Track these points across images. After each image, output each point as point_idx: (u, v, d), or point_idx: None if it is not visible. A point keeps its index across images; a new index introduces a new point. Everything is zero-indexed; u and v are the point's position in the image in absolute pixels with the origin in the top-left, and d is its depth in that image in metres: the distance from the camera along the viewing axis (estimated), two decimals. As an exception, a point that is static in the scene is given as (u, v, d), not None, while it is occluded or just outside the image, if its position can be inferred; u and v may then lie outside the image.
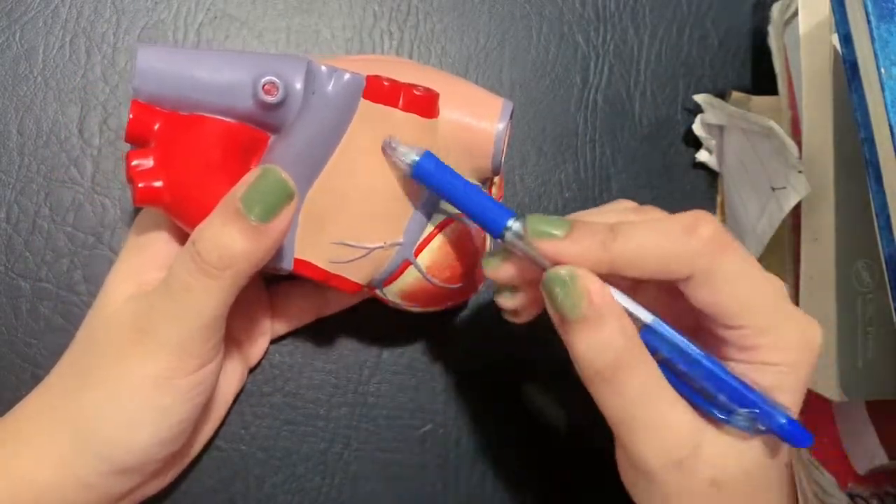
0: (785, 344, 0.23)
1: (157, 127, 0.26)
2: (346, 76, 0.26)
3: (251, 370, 0.33)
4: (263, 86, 0.25)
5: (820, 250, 0.32)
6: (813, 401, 0.34)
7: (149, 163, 0.26)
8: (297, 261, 0.27)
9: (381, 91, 0.26)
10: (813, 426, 0.34)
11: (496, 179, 0.31)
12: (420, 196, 0.28)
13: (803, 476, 0.35)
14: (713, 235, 0.23)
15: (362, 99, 0.26)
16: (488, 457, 0.35)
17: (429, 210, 0.28)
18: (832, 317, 0.31)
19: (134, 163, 0.26)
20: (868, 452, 0.33)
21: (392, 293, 0.29)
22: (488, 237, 0.30)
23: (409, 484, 0.34)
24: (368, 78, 0.26)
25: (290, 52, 0.35)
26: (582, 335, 0.23)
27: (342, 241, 0.27)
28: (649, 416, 0.23)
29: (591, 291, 0.22)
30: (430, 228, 0.28)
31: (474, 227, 0.29)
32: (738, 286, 0.23)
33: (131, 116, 0.25)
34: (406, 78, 0.27)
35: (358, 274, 0.28)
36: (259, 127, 0.26)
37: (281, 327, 0.33)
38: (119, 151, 0.34)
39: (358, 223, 0.27)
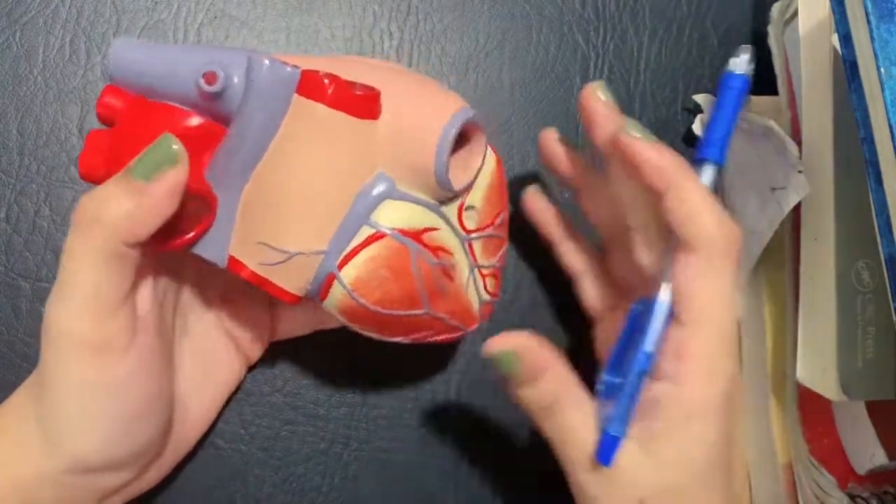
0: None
1: (122, 109, 0.26)
2: (281, 69, 0.24)
3: (251, 369, 0.33)
4: (204, 75, 0.25)
5: (820, 250, 0.32)
6: (813, 401, 0.34)
7: (102, 141, 0.26)
8: (232, 258, 0.26)
9: (312, 86, 0.24)
10: (813, 426, 0.34)
11: (480, 195, 0.29)
12: (352, 204, 0.26)
13: (803, 476, 0.35)
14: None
15: (295, 94, 0.25)
16: (488, 457, 0.35)
17: (359, 221, 0.26)
18: (832, 317, 0.31)
19: (88, 139, 0.26)
20: (868, 452, 0.33)
21: (331, 311, 0.27)
22: (461, 269, 0.28)
23: (410, 484, 0.34)
24: (303, 72, 0.25)
25: (289, 52, 0.35)
26: (521, 391, 0.27)
27: (264, 242, 0.26)
28: (577, 440, 0.27)
29: (529, 361, 0.26)
30: (356, 241, 0.26)
31: (416, 249, 0.26)
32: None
33: (99, 97, 0.26)
34: (372, 79, 0.26)
35: (287, 282, 0.26)
36: (213, 119, 0.26)
37: (281, 333, 0.33)
38: (119, 151, 0.34)
39: (283, 225, 0.25)
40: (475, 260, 0.29)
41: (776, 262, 0.36)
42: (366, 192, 0.26)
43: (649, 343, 0.27)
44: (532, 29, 0.38)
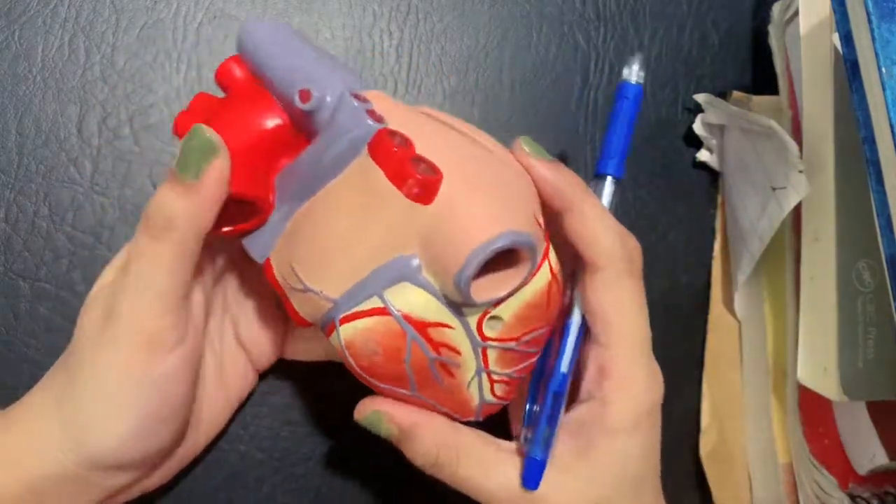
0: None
1: (238, 81, 0.27)
2: (361, 119, 0.24)
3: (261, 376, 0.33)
4: (300, 91, 0.25)
5: (820, 250, 0.32)
6: (813, 401, 0.34)
7: (203, 105, 0.27)
8: (267, 262, 0.27)
9: (380, 150, 0.24)
10: (814, 426, 0.34)
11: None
12: (373, 271, 0.25)
13: (804, 476, 0.34)
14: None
15: (366, 149, 0.24)
16: (488, 457, 0.35)
17: (372, 290, 0.25)
18: (833, 317, 0.31)
19: (194, 100, 0.27)
20: (868, 453, 0.33)
21: (335, 345, 0.27)
22: (466, 369, 0.26)
23: (410, 484, 0.34)
24: (378, 132, 0.24)
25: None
26: (405, 447, 0.28)
27: (293, 267, 0.26)
28: (480, 485, 0.27)
29: (398, 421, 0.28)
30: (362, 307, 0.25)
31: (414, 338, 0.25)
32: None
33: (224, 61, 0.27)
34: (450, 158, 0.24)
35: (301, 308, 0.26)
36: (302, 130, 0.26)
37: (290, 353, 0.33)
38: (118, 151, 0.34)
39: (310, 260, 0.26)
40: (486, 366, 0.27)
41: (776, 262, 0.36)
42: (389, 267, 0.25)
43: (563, 364, 0.28)
44: (532, 29, 0.38)
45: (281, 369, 0.34)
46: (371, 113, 0.25)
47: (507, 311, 0.26)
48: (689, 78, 0.39)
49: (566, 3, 0.38)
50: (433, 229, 0.24)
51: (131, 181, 0.34)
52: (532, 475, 0.27)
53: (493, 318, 0.26)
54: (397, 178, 0.24)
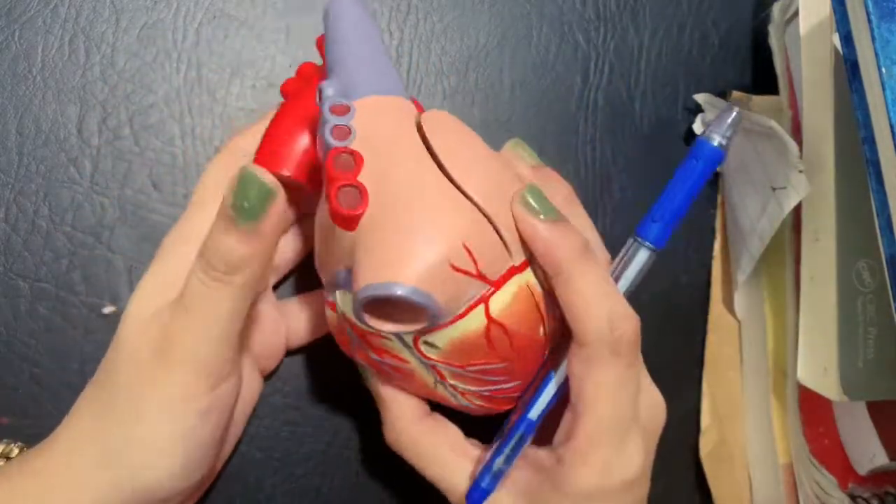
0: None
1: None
2: (326, 133, 0.24)
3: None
4: (332, 107, 0.25)
5: (820, 250, 0.32)
6: (814, 401, 0.34)
7: (307, 72, 0.31)
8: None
9: (326, 169, 0.24)
10: (814, 426, 0.34)
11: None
12: (336, 272, 0.27)
13: (804, 476, 0.34)
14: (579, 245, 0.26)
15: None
16: (488, 457, 0.35)
17: (335, 286, 0.27)
18: (833, 317, 0.31)
19: (300, 68, 0.31)
20: (869, 453, 0.33)
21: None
22: (421, 376, 0.27)
23: (409, 484, 0.34)
24: (329, 151, 0.24)
25: (288, 52, 0.35)
26: (382, 417, 0.30)
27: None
28: (437, 476, 0.29)
29: (379, 392, 0.29)
30: (329, 297, 0.27)
31: (355, 338, 0.27)
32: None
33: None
34: (398, 195, 0.25)
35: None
36: None
37: (295, 341, 0.33)
38: (118, 151, 0.34)
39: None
40: (444, 379, 0.27)
41: (776, 262, 0.36)
42: (337, 274, 0.26)
43: (534, 411, 0.27)
44: (532, 29, 0.38)
45: (281, 370, 0.34)
46: (337, 129, 0.24)
47: (440, 340, 0.26)
48: (689, 78, 0.39)
49: (566, 3, 0.38)
50: (352, 252, 0.25)
51: (131, 181, 0.34)
52: (474, 499, 0.27)
53: (426, 342, 0.26)
54: (332, 210, 0.24)
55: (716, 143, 0.26)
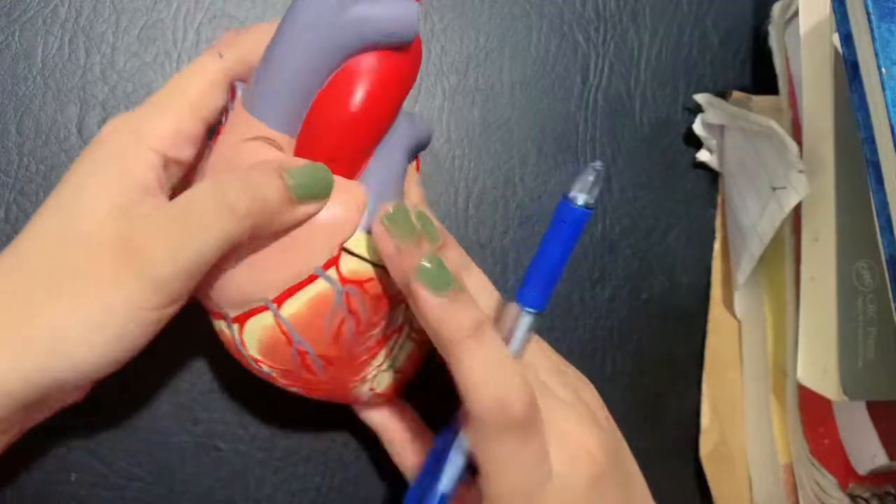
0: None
1: None
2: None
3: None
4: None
5: (820, 250, 0.32)
6: (813, 401, 0.34)
7: None
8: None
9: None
10: (814, 426, 0.34)
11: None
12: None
13: (804, 476, 0.34)
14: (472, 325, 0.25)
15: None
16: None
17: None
18: (833, 317, 0.31)
19: None
20: (868, 453, 0.33)
21: None
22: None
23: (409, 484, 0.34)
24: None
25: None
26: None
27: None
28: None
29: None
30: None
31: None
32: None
33: None
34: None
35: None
36: None
37: None
38: (118, 151, 0.34)
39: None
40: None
41: (776, 262, 0.36)
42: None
43: (444, 485, 0.27)
44: (532, 29, 0.38)
45: (281, 369, 0.34)
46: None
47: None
48: (689, 78, 0.39)
49: (566, 3, 0.38)
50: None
51: (131, 181, 0.34)
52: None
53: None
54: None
55: (581, 204, 0.25)
